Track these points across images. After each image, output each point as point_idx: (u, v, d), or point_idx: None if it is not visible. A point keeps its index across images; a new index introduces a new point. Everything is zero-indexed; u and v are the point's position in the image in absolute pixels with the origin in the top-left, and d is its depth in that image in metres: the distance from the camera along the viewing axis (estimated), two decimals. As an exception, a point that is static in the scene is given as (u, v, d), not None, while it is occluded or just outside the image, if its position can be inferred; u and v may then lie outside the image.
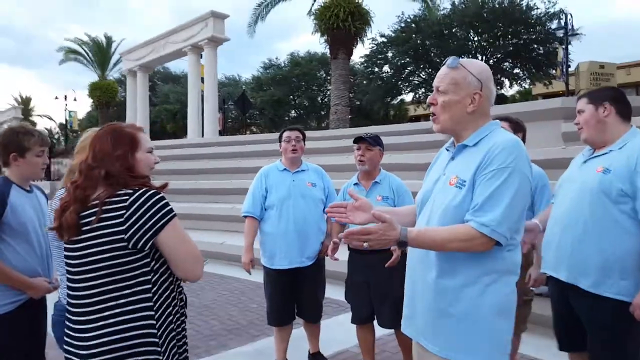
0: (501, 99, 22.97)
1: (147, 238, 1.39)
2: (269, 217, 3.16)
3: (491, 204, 1.41)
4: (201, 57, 17.78)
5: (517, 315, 2.66)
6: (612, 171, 1.95)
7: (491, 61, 22.88)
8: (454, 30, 22.13)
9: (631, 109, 2.11)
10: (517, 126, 2.79)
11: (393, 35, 23.27)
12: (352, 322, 3.06)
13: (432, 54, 22.84)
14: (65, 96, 28.67)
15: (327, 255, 2.76)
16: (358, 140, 2.99)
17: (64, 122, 31.33)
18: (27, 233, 2.14)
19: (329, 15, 14.19)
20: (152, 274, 1.44)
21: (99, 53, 26.06)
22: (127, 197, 1.40)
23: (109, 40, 26.30)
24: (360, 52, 44.30)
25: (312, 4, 15.84)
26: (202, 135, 17.24)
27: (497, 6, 20.77)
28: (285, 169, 3.25)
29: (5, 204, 2.09)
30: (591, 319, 2.00)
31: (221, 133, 21.06)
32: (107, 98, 25.34)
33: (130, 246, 1.39)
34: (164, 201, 1.43)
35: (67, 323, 1.47)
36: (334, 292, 3.98)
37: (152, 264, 1.44)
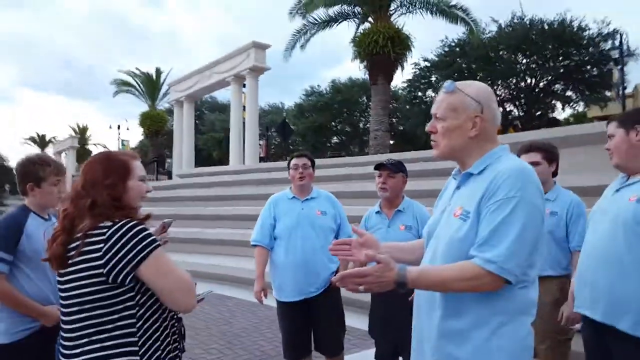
0: (554, 123, 22.04)
1: (126, 272, 1.34)
2: (278, 246, 3.08)
3: (497, 238, 1.28)
4: (244, 87, 18.26)
5: (554, 357, 2.43)
6: None
7: (541, 84, 22.14)
8: (500, 53, 21.65)
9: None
10: (551, 155, 2.60)
11: (437, 59, 23.06)
12: (375, 358, 2.89)
13: (477, 78, 22.36)
14: (119, 125, 30.44)
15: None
16: (379, 167, 2.89)
17: (117, 150, 32.90)
18: (40, 260, 2.17)
19: (368, 42, 14.22)
20: (137, 308, 1.39)
21: (149, 85, 27.37)
22: (106, 230, 1.36)
23: (158, 72, 27.57)
24: (402, 77, 44.22)
25: (355, 32, 15.97)
26: (244, 162, 17.57)
27: (546, 28, 20.15)
28: (294, 197, 3.18)
29: (21, 233, 2.13)
30: None
31: (265, 159, 21.38)
32: (157, 127, 26.48)
33: (110, 281, 1.34)
34: (144, 232, 1.38)
35: (59, 353, 1.46)
36: (363, 323, 3.80)
37: (138, 297, 1.39)
